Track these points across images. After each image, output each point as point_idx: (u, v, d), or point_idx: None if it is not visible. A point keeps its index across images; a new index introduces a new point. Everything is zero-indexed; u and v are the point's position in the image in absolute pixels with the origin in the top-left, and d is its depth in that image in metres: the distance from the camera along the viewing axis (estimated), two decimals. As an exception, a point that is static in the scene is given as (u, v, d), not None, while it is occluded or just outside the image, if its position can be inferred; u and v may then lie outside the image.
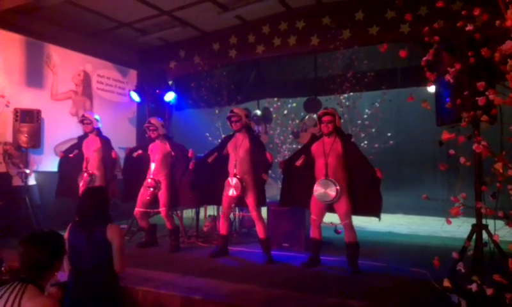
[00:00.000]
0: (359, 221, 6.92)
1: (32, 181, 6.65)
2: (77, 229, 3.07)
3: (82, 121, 6.06)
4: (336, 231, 4.68)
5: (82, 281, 2.96)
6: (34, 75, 7.11)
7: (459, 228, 3.86)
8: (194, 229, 6.22)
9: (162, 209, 5.55)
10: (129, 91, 8.31)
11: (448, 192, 7.76)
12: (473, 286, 2.44)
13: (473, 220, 3.08)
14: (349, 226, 4.49)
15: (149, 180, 5.49)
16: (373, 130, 8.07)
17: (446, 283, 2.45)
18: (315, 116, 7.46)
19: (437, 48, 2.57)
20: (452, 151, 2.49)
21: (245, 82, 8.32)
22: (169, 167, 5.68)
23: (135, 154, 5.80)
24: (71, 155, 6.00)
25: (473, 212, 2.98)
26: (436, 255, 2.90)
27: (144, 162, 5.72)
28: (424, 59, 2.48)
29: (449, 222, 2.50)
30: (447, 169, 2.88)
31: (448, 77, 2.36)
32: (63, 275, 3.34)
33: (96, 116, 6.13)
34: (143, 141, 6.54)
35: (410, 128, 8.84)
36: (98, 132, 6.05)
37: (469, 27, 2.32)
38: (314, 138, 4.80)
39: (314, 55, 7.41)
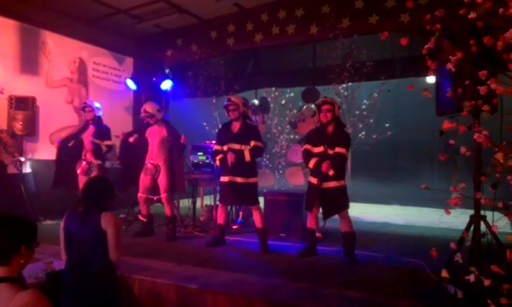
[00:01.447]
0: (355, 212, 6.94)
1: (27, 169, 6.61)
2: (72, 218, 3.05)
3: (84, 108, 6.02)
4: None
5: (78, 270, 2.94)
6: (29, 61, 7.01)
7: (456, 219, 3.86)
8: (191, 218, 6.20)
9: (163, 195, 5.53)
10: (125, 78, 8.23)
11: (445, 183, 7.75)
12: (471, 277, 2.43)
13: (471, 212, 3.07)
14: (345, 216, 4.48)
15: (148, 165, 5.45)
16: (371, 120, 8.06)
17: (444, 274, 2.44)
18: (313, 106, 7.42)
19: (438, 37, 2.52)
20: (452, 141, 2.46)
21: (243, 71, 8.26)
22: (168, 152, 5.63)
23: (131, 139, 5.74)
24: (70, 144, 5.94)
25: (471, 203, 2.97)
26: (433, 246, 2.89)
27: (140, 147, 5.66)
28: (426, 47, 2.44)
29: (448, 213, 2.48)
30: (445, 159, 2.87)
31: (449, 66, 2.32)
32: (59, 263, 3.33)
33: (97, 104, 6.07)
34: (140, 129, 6.49)
35: (408, 119, 8.85)
36: (99, 121, 6.00)
37: (471, 15, 2.28)
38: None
39: (313, 44, 7.35)
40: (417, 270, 4.00)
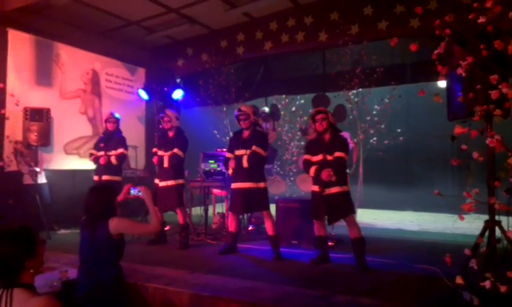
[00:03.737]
0: (368, 218, 6.88)
1: (42, 179, 6.71)
2: (84, 226, 3.11)
3: (108, 119, 6.17)
4: None
5: (89, 277, 2.98)
6: (44, 74, 7.17)
7: (470, 225, 3.81)
8: (203, 226, 6.22)
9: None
10: (138, 89, 8.34)
11: (458, 188, 7.66)
12: (487, 284, 2.40)
13: (484, 218, 3.02)
14: (352, 222, 4.47)
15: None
16: (382, 126, 8.00)
17: (458, 280, 2.41)
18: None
19: (448, 42, 2.52)
20: (464, 147, 2.44)
21: (253, 79, 8.30)
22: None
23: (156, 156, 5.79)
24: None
25: (485, 209, 2.93)
26: (447, 252, 2.86)
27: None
28: (436, 52, 2.44)
29: (462, 218, 2.46)
30: (458, 164, 2.84)
31: (460, 71, 2.32)
32: (74, 272, 3.38)
33: (117, 115, 6.24)
34: (152, 139, 6.57)
35: (420, 124, 8.75)
36: (118, 131, 6.14)
37: (481, 20, 2.28)
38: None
39: (322, 51, 7.36)
40: (431, 277, 3.95)
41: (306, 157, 4.68)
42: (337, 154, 4.42)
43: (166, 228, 6.04)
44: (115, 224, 3.02)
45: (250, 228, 6.43)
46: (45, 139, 6.60)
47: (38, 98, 6.92)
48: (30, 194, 6.34)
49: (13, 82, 6.59)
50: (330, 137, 4.57)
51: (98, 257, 3.04)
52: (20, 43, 6.77)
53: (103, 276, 3.01)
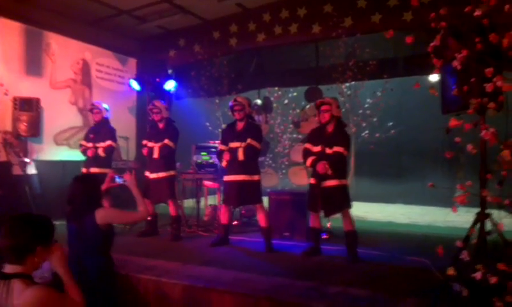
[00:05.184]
0: (359, 211, 6.93)
1: (32, 170, 6.62)
2: (70, 217, 3.08)
3: (91, 110, 6.05)
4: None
5: (78, 268, 2.95)
6: (33, 63, 7.04)
7: (461, 217, 3.85)
8: (195, 218, 6.21)
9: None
10: (129, 79, 8.25)
11: (449, 182, 7.71)
12: (477, 275, 2.43)
13: (474, 211, 3.05)
14: (347, 215, 4.49)
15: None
16: (374, 119, 8.03)
17: (450, 271, 2.44)
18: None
19: (443, 35, 2.53)
20: (458, 139, 2.46)
21: (245, 71, 8.25)
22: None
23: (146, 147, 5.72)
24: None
25: (476, 202, 2.96)
26: (438, 245, 2.89)
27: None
28: (431, 45, 2.44)
29: (455, 210, 2.48)
30: (451, 157, 2.87)
31: (455, 63, 2.32)
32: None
33: (105, 105, 6.08)
34: (143, 130, 6.51)
35: (412, 118, 8.82)
36: (106, 122, 6.01)
37: (477, 13, 2.29)
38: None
39: (315, 43, 7.34)
40: (422, 268, 3.99)
41: (307, 145, 4.67)
42: (336, 148, 4.41)
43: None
44: (102, 215, 2.99)
45: (235, 222, 6.36)
46: (35, 130, 6.51)
47: (27, 87, 6.81)
48: (20, 185, 6.26)
49: (2, 71, 6.47)
50: (333, 130, 4.56)
51: (85, 248, 3.02)
52: (9, 32, 6.63)
53: (89, 267, 2.98)
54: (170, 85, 7.96)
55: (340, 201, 4.45)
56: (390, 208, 8.86)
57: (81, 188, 3.08)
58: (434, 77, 6.52)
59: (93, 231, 2.98)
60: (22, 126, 6.34)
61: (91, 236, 3.00)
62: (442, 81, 3.22)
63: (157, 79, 7.85)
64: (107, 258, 3.16)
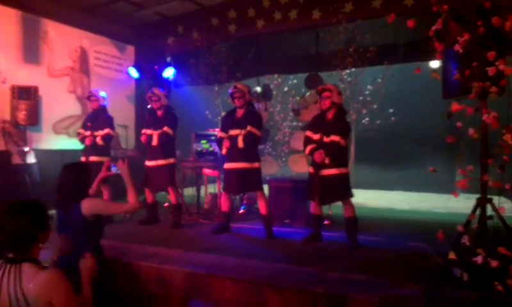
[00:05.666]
0: (359, 198, 6.95)
1: (31, 159, 6.61)
2: (59, 205, 3.05)
3: (89, 97, 6.01)
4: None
5: (66, 259, 2.93)
6: (31, 51, 6.98)
7: (461, 204, 3.86)
8: (196, 206, 6.22)
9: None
10: (127, 67, 8.19)
11: (449, 168, 7.74)
12: (478, 259, 2.44)
13: (475, 197, 3.06)
14: (348, 202, 4.49)
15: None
16: (375, 106, 8.01)
17: (451, 256, 2.45)
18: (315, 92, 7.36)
19: (445, 18, 2.50)
20: (459, 123, 2.45)
21: (245, 58, 8.19)
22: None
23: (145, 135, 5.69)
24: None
25: (476, 188, 2.96)
26: (438, 230, 2.90)
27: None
28: (433, 28, 2.42)
29: (456, 195, 2.48)
30: (449, 143, 2.85)
31: (457, 47, 2.30)
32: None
33: (103, 93, 6.04)
34: (142, 118, 6.48)
35: (412, 104, 8.79)
36: (103, 110, 5.97)
37: (479, -5, 2.26)
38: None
39: (315, 29, 7.27)
40: (422, 253, 4.02)
41: (308, 133, 4.66)
42: (333, 137, 4.38)
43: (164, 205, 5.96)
44: (87, 206, 2.92)
45: (241, 211, 6.41)
46: (34, 118, 6.48)
47: (25, 76, 6.76)
48: (19, 174, 6.25)
49: (-1, 59, 6.42)
50: (332, 118, 4.53)
51: (72, 237, 2.99)
52: (6, 19, 6.56)
53: (73, 259, 2.94)
54: (169, 72, 7.90)
55: (339, 190, 4.44)
56: (390, 195, 8.88)
57: (69, 177, 3.03)
58: (435, 64, 6.49)
59: (79, 220, 2.93)
60: (21, 115, 6.31)
61: (77, 225, 2.95)
62: (443, 66, 3.19)
63: (156, 67, 7.79)
64: (96, 247, 3.09)
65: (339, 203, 4.63)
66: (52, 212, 2.30)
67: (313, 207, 4.70)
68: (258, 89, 8.52)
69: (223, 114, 6.02)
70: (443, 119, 2.87)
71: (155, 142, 5.48)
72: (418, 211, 6.95)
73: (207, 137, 6.34)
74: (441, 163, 7.77)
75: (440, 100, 3.48)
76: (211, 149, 6.23)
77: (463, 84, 2.64)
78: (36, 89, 6.50)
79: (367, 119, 8.11)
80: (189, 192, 6.81)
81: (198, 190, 6.31)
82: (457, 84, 2.80)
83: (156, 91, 5.66)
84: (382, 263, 3.81)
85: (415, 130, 8.94)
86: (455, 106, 2.27)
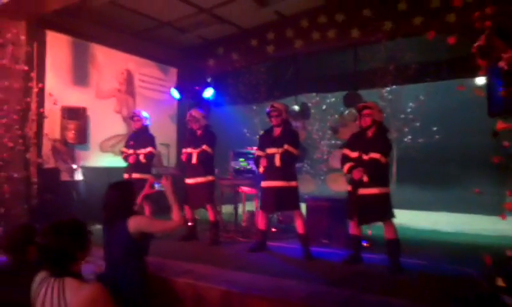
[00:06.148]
0: (402, 219, 6.73)
1: (79, 176, 6.94)
2: (105, 223, 3.15)
3: (132, 117, 6.28)
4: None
5: (111, 274, 3.01)
6: (80, 74, 7.40)
7: (510, 226, 3.65)
8: (233, 223, 6.25)
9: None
10: (170, 88, 8.49)
11: (496, 188, 7.35)
12: (530, 287, 2.28)
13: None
14: (389, 223, 4.34)
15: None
16: (417, 124, 7.79)
17: (499, 282, 2.31)
18: (354, 110, 7.29)
19: (489, 34, 2.42)
20: (506, 143, 2.34)
21: (283, 77, 8.27)
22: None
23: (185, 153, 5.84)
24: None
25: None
26: (485, 254, 2.75)
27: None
28: (476, 44, 2.35)
29: (504, 217, 2.35)
30: (496, 163, 2.73)
31: (501, 64, 2.21)
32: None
33: (145, 114, 6.30)
34: (184, 137, 6.64)
35: (455, 122, 8.48)
36: (145, 130, 6.21)
37: (524, 10, 2.17)
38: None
39: (354, 48, 7.23)
40: (468, 279, 3.81)
41: (345, 151, 4.60)
42: (373, 155, 4.29)
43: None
44: (134, 223, 3.00)
45: (273, 229, 6.36)
46: (82, 137, 6.82)
47: (75, 97, 7.16)
48: (67, 190, 6.56)
49: (51, 82, 6.84)
50: (372, 136, 4.45)
51: (118, 254, 3.06)
52: (58, 45, 7.02)
53: (117, 274, 3.01)
54: (209, 93, 8.11)
55: (379, 210, 4.31)
56: (434, 216, 8.53)
57: (114, 195, 3.13)
58: (480, 80, 6.25)
59: (125, 238, 3.00)
60: (70, 134, 6.67)
61: (124, 243, 3.02)
62: (488, 83, 3.07)
63: (196, 87, 8.03)
64: (140, 265, 3.16)
65: (380, 223, 4.50)
66: (96, 227, 2.39)
67: (352, 228, 4.60)
68: (296, 107, 8.55)
69: (261, 132, 6.07)
70: (489, 138, 2.75)
71: (194, 160, 5.61)
72: (464, 233, 6.61)
73: (244, 156, 6.42)
74: (487, 183, 7.39)
75: (485, 118, 3.35)
76: (249, 167, 6.28)
77: (509, 102, 2.53)
78: (84, 109, 6.86)
79: (409, 137, 7.89)
80: (227, 209, 6.87)
81: (236, 208, 6.35)
82: (502, 102, 2.69)
83: (194, 112, 5.83)
84: (424, 288, 3.65)
85: (460, 148, 8.60)
86: (500, 124, 2.18)
